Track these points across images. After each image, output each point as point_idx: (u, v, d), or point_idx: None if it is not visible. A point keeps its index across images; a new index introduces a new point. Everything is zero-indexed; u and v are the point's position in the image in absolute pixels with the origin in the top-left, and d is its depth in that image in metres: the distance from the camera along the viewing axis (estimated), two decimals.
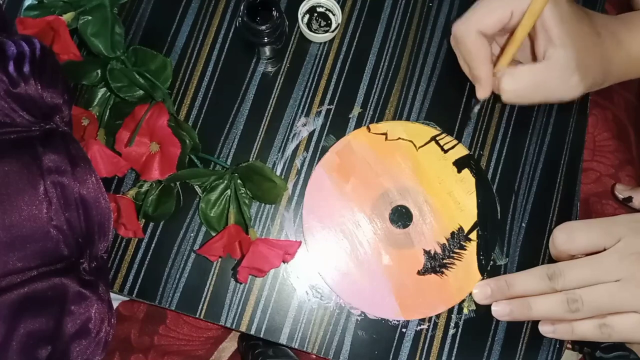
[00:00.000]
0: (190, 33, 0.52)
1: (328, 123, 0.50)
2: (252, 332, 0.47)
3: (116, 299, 0.52)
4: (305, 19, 0.51)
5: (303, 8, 0.51)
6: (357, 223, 0.48)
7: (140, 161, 0.46)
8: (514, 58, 0.48)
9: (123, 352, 0.50)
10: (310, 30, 0.50)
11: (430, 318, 0.47)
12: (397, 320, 0.47)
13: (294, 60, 0.51)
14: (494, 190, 0.50)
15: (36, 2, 0.48)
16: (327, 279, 0.47)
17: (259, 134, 0.50)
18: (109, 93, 0.49)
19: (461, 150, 0.50)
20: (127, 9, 0.52)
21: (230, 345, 0.53)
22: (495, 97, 0.48)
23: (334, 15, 0.51)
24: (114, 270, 0.47)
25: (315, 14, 0.51)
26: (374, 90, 0.51)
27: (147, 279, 0.47)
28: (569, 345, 0.51)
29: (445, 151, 0.50)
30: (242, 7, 0.45)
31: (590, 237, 0.44)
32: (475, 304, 0.47)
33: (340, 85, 0.51)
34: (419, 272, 0.48)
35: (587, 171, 0.54)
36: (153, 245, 0.48)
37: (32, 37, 0.41)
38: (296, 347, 0.47)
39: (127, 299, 0.53)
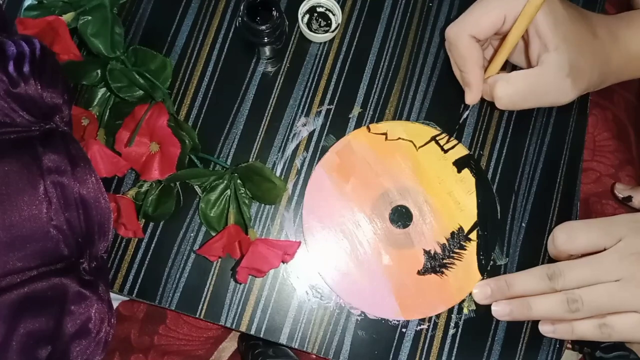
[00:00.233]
0: (190, 33, 0.52)
1: (328, 123, 0.50)
2: (252, 332, 0.47)
3: (116, 299, 0.53)
4: (305, 19, 0.51)
5: (303, 8, 0.51)
6: (357, 223, 0.48)
7: (140, 161, 0.46)
8: (509, 59, 0.48)
9: (123, 352, 0.50)
10: (310, 30, 0.50)
11: (430, 318, 0.47)
12: (397, 320, 0.47)
13: (294, 60, 0.51)
14: (494, 190, 0.50)
15: (36, 2, 0.48)
16: (327, 279, 0.47)
17: (259, 134, 0.50)
18: (109, 93, 0.49)
19: (461, 150, 0.50)
20: (127, 9, 0.52)
21: (230, 345, 0.53)
22: (490, 102, 0.48)
23: (334, 15, 0.51)
24: (114, 270, 0.47)
25: (315, 14, 0.51)
26: (374, 90, 0.51)
27: (147, 279, 0.47)
28: (569, 345, 0.51)
29: (445, 151, 0.50)
30: (242, 7, 0.45)
31: (591, 237, 0.44)
32: (475, 304, 0.47)
33: (340, 85, 0.51)
34: (419, 272, 0.48)
35: (587, 171, 0.54)
36: (153, 245, 0.48)
37: (32, 37, 0.41)
38: (296, 347, 0.47)
39: (127, 299, 0.53)
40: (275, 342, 0.47)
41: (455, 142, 0.50)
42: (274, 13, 0.45)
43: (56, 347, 0.39)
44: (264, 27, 0.45)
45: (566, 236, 0.46)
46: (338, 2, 0.51)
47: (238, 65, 0.51)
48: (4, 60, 0.39)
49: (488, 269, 0.48)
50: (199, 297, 0.47)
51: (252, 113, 0.50)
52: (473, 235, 0.49)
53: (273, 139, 0.50)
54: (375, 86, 0.51)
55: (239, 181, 0.47)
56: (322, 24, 0.51)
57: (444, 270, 0.48)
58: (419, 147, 0.50)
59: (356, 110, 0.51)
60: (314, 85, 0.51)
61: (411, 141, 0.50)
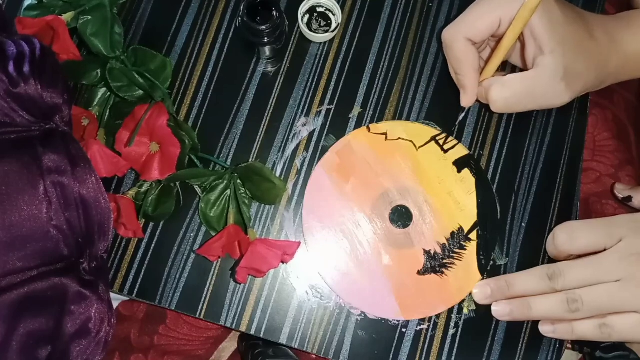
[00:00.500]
0: (190, 33, 0.52)
1: (328, 123, 0.50)
2: (252, 332, 0.47)
3: (116, 299, 0.52)
4: (305, 19, 0.51)
5: (303, 8, 0.51)
6: (357, 223, 0.48)
7: (140, 161, 0.46)
8: (508, 60, 0.48)
9: (123, 352, 0.50)
10: (310, 30, 0.50)
11: (430, 318, 0.47)
12: (397, 320, 0.47)
13: (294, 60, 0.51)
14: (494, 190, 0.50)
15: (36, 2, 0.48)
16: (327, 279, 0.47)
17: (259, 134, 0.50)
18: (109, 93, 0.49)
19: (461, 150, 0.50)
20: (127, 8, 0.52)
21: (230, 345, 0.53)
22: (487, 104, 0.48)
23: (334, 15, 0.51)
24: (114, 270, 0.47)
25: (315, 14, 0.51)
26: (374, 90, 0.51)
27: (147, 279, 0.47)
28: (569, 345, 0.51)
29: (445, 151, 0.50)
30: (242, 7, 0.45)
31: (591, 238, 0.44)
32: (475, 304, 0.47)
33: (340, 85, 0.51)
34: (419, 272, 0.48)
35: (587, 171, 0.54)
36: (153, 245, 0.48)
37: (32, 37, 0.41)
38: (296, 347, 0.47)
39: (127, 299, 0.53)
40: (275, 342, 0.47)
41: (455, 142, 0.50)
42: (274, 13, 0.45)
43: (56, 347, 0.39)
44: (264, 27, 0.45)
45: (567, 236, 0.46)
46: (338, 2, 0.51)
47: (238, 65, 0.51)
48: (4, 60, 0.39)
49: (488, 269, 0.48)
50: (199, 297, 0.47)
51: (252, 113, 0.50)
52: (473, 235, 0.49)
53: (273, 139, 0.50)
54: (375, 86, 0.51)
55: (238, 181, 0.47)
56: (322, 24, 0.51)
57: (444, 270, 0.48)
58: (419, 147, 0.50)
59: (356, 110, 0.51)
60: (314, 85, 0.51)
61: (411, 141, 0.50)
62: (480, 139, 0.51)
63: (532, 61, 0.45)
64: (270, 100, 0.51)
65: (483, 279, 0.48)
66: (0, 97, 0.38)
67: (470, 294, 0.48)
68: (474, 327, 0.47)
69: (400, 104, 0.51)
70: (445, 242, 0.48)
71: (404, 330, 0.47)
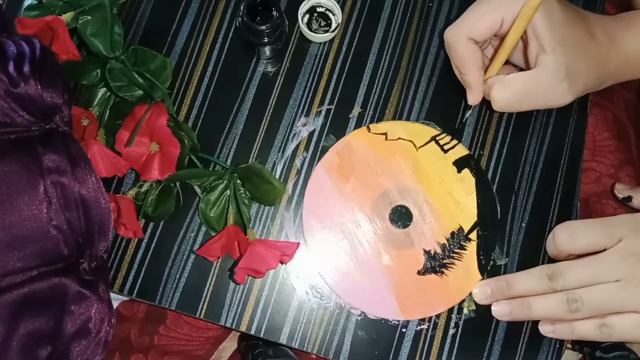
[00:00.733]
0: (190, 33, 0.52)
1: (328, 123, 0.50)
2: (252, 332, 0.47)
3: (116, 299, 0.52)
4: (305, 19, 0.51)
5: (303, 8, 0.51)
6: (357, 223, 0.48)
7: (140, 161, 0.46)
8: (509, 59, 0.48)
9: (123, 352, 0.50)
10: (310, 30, 0.50)
11: (430, 318, 0.47)
12: (397, 320, 0.47)
13: (294, 60, 0.51)
14: (494, 190, 0.50)
15: (36, 2, 0.48)
16: (327, 279, 0.47)
17: (259, 134, 0.50)
18: (109, 93, 0.49)
19: (461, 150, 0.50)
20: (127, 8, 0.52)
21: (230, 345, 0.53)
22: (490, 103, 0.48)
23: (334, 15, 0.51)
24: (114, 270, 0.47)
25: (315, 14, 0.51)
26: (374, 90, 0.51)
27: (147, 279, 0.47)
28: (569, 345, 0.51)
29: (445, 151, 0.50)
30: (242, 7, 0.45)
31: (591, 238, 0.44)
32: (475, 304, 0.47)
33: (340, 85, 0.51)
34: (419, 272, 0.48)
35: (587, 171, 0.54)
36: (153, 245, 0.48)
37: (32, 37, 0.41)
38: (296, 347, 0.47)
39: (127, 299, 0.53)
40: (275, 342, 0.47)
41: (455, 142, 0.50)
42: (274, 13, 0.45)
43: (56, 347, 0.39)
44: (264, 27, 0.45)
45: (567, 236, 0.46)
46: (338, 2, 0.51)
47: (238, 65, 0.51)
48: (4, 60, 0.39)
49: (488, 269, 0.48)
50: (199, 297, 0.47)
51: (252, 113, 0.50)
52: (473, 235, 0.49)
53: (273, 139, 0.50)
54: (375, 86, 0.51)
55: (238, 181, 0.47)
56: (322, 24, 0.51)
57: (444, 270, 0.48)
58: (419, 147, 0.50)
59: (356, 110, 0.51)
60: (314, 85, 0.51)
61: (411, 141, 0.50)
62: (480, 139, 0.51)
63: (534, 59, 0.45)
64: (270, 100, 0.51)
65: (483, 279, 0.48)
66: (0, 97, 0.38)
67: (470, 294, 0.48)
68: (474, 327, 0.47)
69: (400, 104, 0.51)
70: (445, 242, 0.48)
71: (404, 330, 0.47)
